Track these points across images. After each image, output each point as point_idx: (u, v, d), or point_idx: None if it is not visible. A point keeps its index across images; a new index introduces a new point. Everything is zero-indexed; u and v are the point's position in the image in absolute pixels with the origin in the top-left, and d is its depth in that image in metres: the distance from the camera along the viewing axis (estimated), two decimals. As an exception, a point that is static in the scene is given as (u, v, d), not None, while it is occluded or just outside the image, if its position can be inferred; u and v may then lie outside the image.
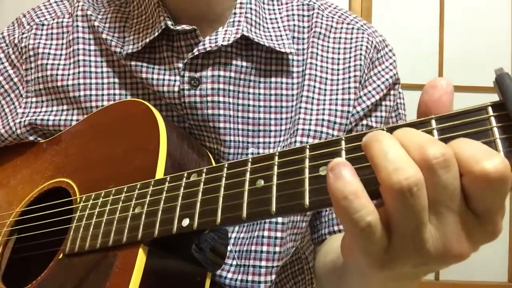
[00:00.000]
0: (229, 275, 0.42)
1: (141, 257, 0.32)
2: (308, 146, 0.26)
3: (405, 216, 0.21)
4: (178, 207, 0.31)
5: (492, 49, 1.62)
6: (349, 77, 0.47)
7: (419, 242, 0.22)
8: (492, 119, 0.21)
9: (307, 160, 0.25)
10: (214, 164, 0.43)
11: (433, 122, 0.22)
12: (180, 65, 0.45)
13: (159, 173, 0.36)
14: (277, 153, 0.27)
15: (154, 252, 0.33)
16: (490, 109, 0.21)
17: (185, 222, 0.30)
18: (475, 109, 0.21)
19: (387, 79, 0.48)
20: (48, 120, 0.48)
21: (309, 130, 0.45)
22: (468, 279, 1.57)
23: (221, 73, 0.44)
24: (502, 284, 1.55)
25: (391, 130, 0.23)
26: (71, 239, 0.38)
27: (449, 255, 0.22)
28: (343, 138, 0.25)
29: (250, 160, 0.29)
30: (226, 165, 0.30)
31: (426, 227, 0.21)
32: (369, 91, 0.47)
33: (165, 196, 0.33)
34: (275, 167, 0.27)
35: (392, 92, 0.49)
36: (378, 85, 0.47)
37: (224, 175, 0.30)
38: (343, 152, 0.24)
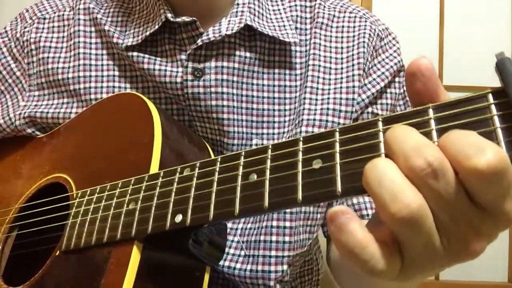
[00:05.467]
0: (238, 266, 0.42)
1: (135, 254, 0.32)
2: (301, 139, 0.25)
3: (413, 239, 0.20)
4: (171, 203, 0.31)
5: (492, 49, 1.59)
6: (353, 65, 0.47)
7: (431, 255, 0.21)
8: (493, 107, 0.20)
9: (300, 153, 0.25)
10: (213, 157, 0.42)
11: (430, 111, 0.21)
12: (183, 57, 0.45)
13: (154, 167, 0.35)
14: (270, 146, 0.27)
15: (148, 248, 0.33)
16: (490, 97, 0.20)
17: (178, 218, 0.30)
18: (474, 97, 0.20)
19: (391, 66, 0.48)
20: (47, 112, 0.48)
21: (314, 119, 0.44)
22: (468, 279, 1.55)
23: (225, 64, 0.44)
24: (502, 284, 1.53)
25: (387, 121, 0.23)
26: (67, 236, 0.37)
27: (462, 256, 0.21)
28: (337, 130, 0.24)
29: (243, 153, 0.28)
30: (219, 159, 0.29)
31: (435, 240, 0.20)
32: (374, 79, 0.47)
33: (158, 191, 0.32)
34: (268, 161, 0.26)
35: (397, 79, 0.49)
36: (383, 73, 0.47)
37: (217, 169, 0.29)
38: (337, 144, 0.23)
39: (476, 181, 0.19)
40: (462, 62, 1.59)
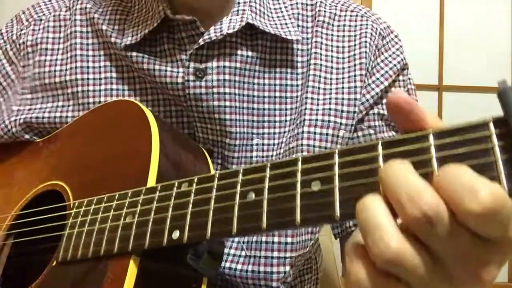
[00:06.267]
0: (239, 267, 0.41)
1: (132, 269, 0.32)
2: (300, 159, 0.25)
3: (404, 276, 0.20)
4: (169, 219, 0.30)
5: (492, 49, 1.60)
6: (355, 65, 0.46)
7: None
8: (494, 137, 0.19)
9: (299, 174, 0.24)
10: (210, 164, 0.42)
11: (431, 137, 0.21)
12: (183, 56, 0.44)
13: (152, 178, 0.35)
14: (268, 165, 0.26)
15: (146, 262, 0.32)
16: (491, 125, 0.20)
17: (176, 234, 0.29)
18: (475, 125, 0.20)
19: (394, 65, 0.47)
20: (43, 117, 0.47)
21: (316, 120, 0.44)
22: (469, 279, 1.55)
23: (227, 63, 0.44)
24: (502, 284, 1.54)
25: (387, 145, 0.22)
26: (63, 247, 0.37)
27: (474, 286, 0.20)
28: (336, 152, 0.24)
29: (241, 171, 0.28)
30: (217, 175, 0.29)
31: (434, 277, 0.20)
32: (378, 78, 0.46)
33: (155, 206, 0.32)
34: (267, 180, 0.26)
35: (401, 77, 0.48)
36: (386, 71, 0.47)
37: (215, 186, 0.29)
38: (336, 167, 0.23)
39: (475, 222, 0.18)
40: (462, 62, 1.59)
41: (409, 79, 0.49)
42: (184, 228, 0.29)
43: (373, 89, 0.46)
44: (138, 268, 0.32)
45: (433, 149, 0.20)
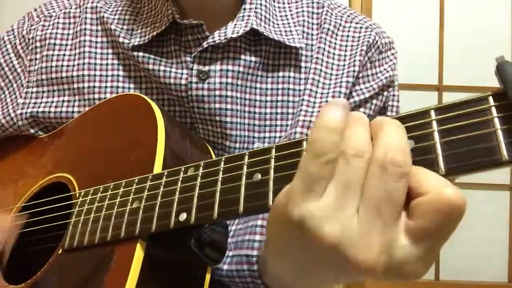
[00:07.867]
0: (225, 267, 0.41)
1: (139, 253, 0.32)
2: (305, 139, 0.26)
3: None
4: (176, 202, 0.31)
5: (492, 49, 1.60)
6: (354, 71, 0.47)
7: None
8: (493, 109, 0.20)
9: (304, 154, 0.25)
10: (214, 158, 0.43)
11: (432, 113, 0.22)
12: (188, 59, 0.45)
13: (157, 168, 0.36)
14: (274, 146, 0.27)
15: (152, 247, 0.33)
16: (491, 99, 0.21)
17: (183, 216, 0.30)
18: (475, 99, 0.21)
19: (381, 80, 0.48)
20: (49, 112, 0.48)
21: (310, 121, 0.45)
22: (468, 279, 1.56)
23: (230, 67, 0.45)
24: (502, 284, 1.54)
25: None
26: (70, 234, 0.38)
27: (354, 254, 0.21)
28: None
29: (247, 153, 0.28)
30: (223, 159, 0.30)
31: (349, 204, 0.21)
32: (361, 89, 0.47)
33: (162, 190, 0.32)
34: (272, 160, 0.26)
35: (385, 93, 0.49)
36: (371, 85, 0.47)
37: (221, 169, 0.29)
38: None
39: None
40: (462, 62, 1.60)
41: (393, 95, 0.50)
42: (191, 210, 0.29)
43: (353, 97, 0.47)
44: (144, 253, 0.32)
45: (434, 123, 0.21)
